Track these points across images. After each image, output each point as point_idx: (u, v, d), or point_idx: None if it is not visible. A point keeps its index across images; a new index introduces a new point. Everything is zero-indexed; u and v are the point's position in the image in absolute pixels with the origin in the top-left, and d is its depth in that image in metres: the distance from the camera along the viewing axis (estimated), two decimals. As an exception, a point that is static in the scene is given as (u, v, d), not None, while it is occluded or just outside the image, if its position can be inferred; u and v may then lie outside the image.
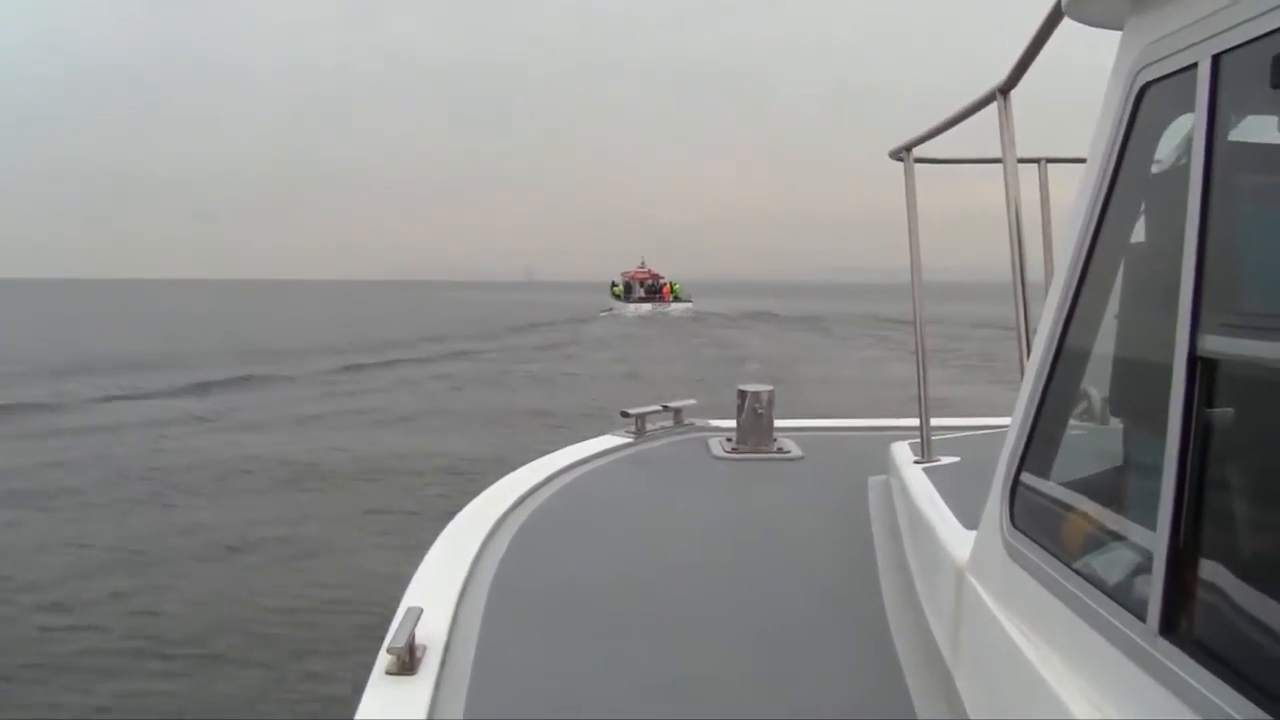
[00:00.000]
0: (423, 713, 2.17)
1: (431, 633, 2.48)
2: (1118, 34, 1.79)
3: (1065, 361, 1.89)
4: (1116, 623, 1.48)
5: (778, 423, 5.16)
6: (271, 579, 10.21)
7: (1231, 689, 1.19)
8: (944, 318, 48.67)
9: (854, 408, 20.01)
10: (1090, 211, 1.80)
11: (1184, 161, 1.48)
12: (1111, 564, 1.63)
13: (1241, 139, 1.45)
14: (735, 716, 2.35)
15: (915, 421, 3.83)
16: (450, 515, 3.65)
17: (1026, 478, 1.97)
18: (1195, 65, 1.45)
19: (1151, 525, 1.41)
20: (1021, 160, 2.80)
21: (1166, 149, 1.66)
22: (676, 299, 73.24)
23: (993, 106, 2.68)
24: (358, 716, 2.15)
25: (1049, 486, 1.94)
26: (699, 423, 5.60)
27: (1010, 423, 2.06)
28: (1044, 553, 1.80)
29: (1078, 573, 1.66)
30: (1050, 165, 3.07)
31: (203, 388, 26.67)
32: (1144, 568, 1.44)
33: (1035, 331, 2.06)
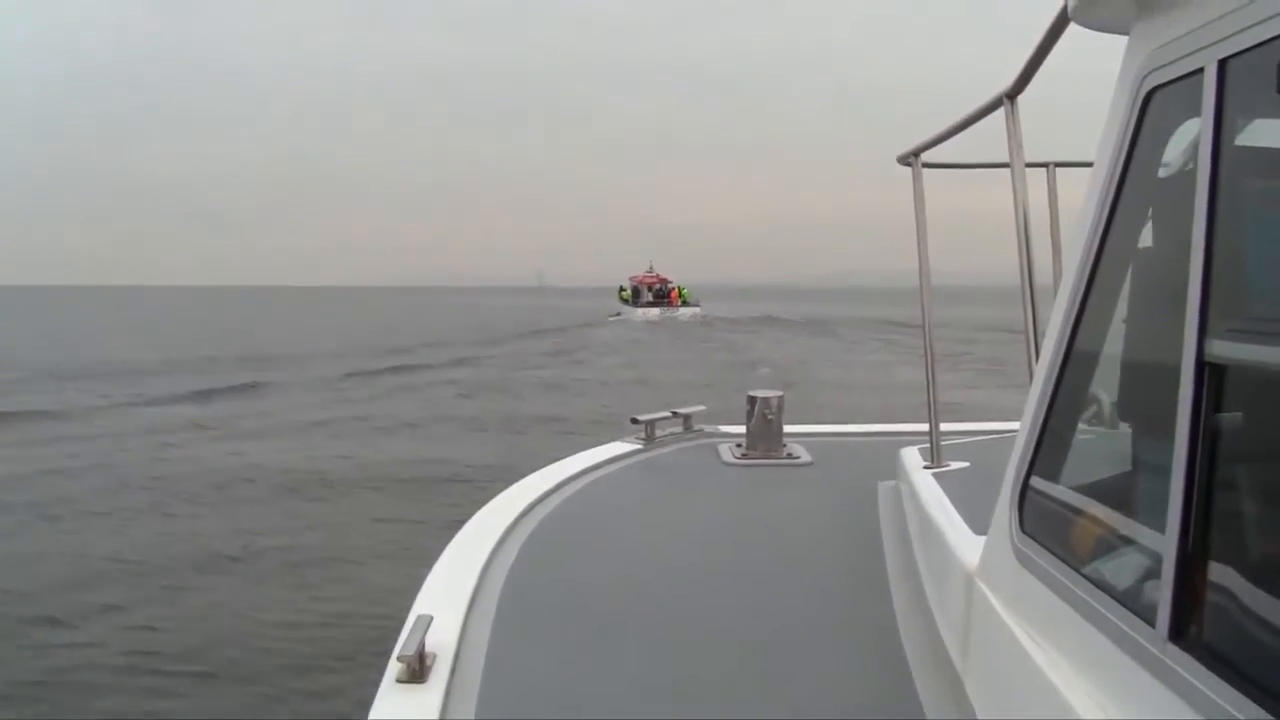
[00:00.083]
0: None
1: (442, 640, 2.47)
2: (1124, 39, 1.80)
3: (1074, 366, 1.89)
4: (1125, 628, 1.48)
5: (787, 428, 5.17)
6: (273, 591, 9.96)
7: (1241, 694, 1.18)
8: (954, 321, 48.59)
9: (867, 412, 19.85)
10: (1097, 216, 1.80)
11: (1190, 166, 1.48)
12: (1120, 569, 1.63)
13: (1248, 143, 1.45)
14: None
15: (925, 427, 3.85)
16: (458, 524, 3.62)
17: (1035, 483, 1.97)
18: (1201, 70, 1.45)
19: (1160, 531, 1.41)
20: (1030, 165, 2.83)
21: (1173, 154, 1.66)
22: (685, 303, 73.22)
23: (1000, 111, 2.71)
24: None
25: (1058, 492, 1.94)
26: (709, 429, 5.59)
27: (1019, 428, 2.06)
28: (1053, 558, 1.80)
29: (1087, 578, 1.67)
30: (1059, 169, 3.07)
31: (205, 395, 26.52)
32: (1153, 573, 1.44)
33: (1044, 336, 2.06)
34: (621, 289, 79.33)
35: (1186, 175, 1.49)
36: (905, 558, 3.29)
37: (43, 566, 10.61)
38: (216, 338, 52.04)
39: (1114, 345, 1.86)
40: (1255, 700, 1.16)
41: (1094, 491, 1.89)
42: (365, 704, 2.24)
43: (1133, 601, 1.50)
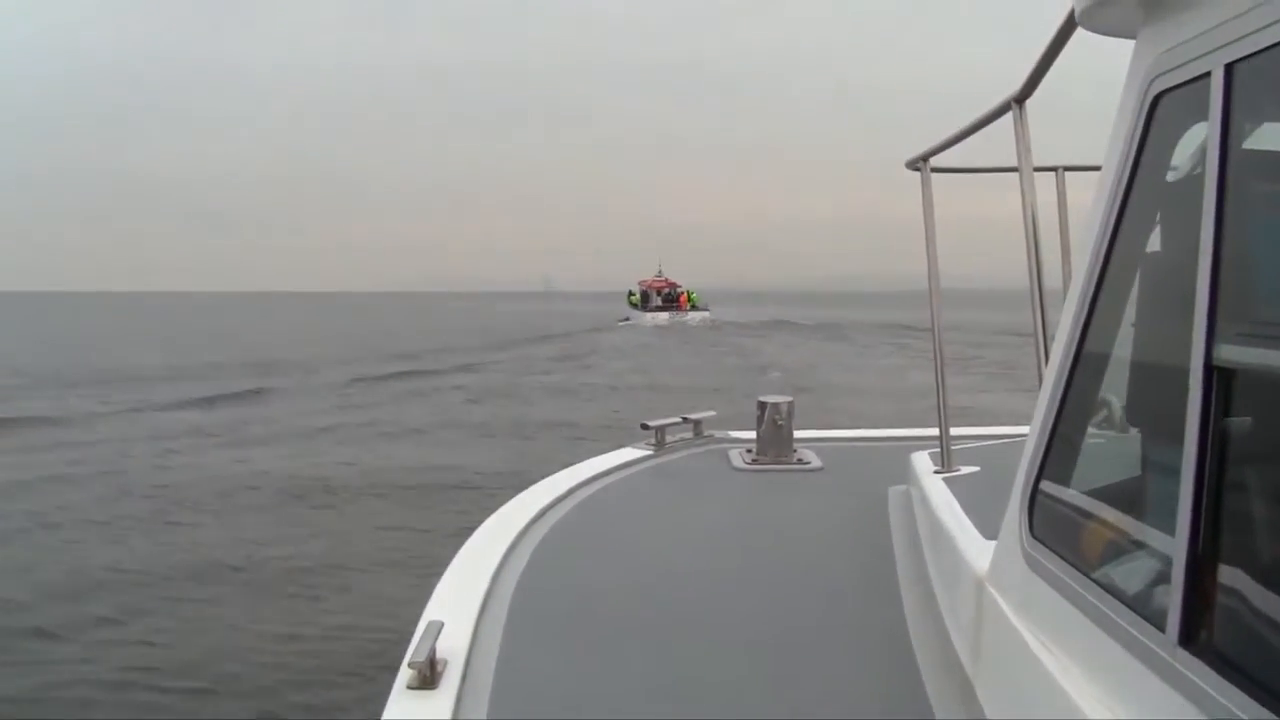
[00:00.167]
0: None
1: (453, 646, 2.48)
2: (1131, 43, 1.81)
3: (1083, 370, 1.90)
4: (1135, 633, 1.48)
5: (798, 434, 5.19)
6: (275, 602, 9.72)
7: (1251, 699, 1.19)
8: (964, 325, 48.38)
9: (880, 417, 19.65)
10: (1106, 220, 1.81)
11: (1198, 170, 1.49)
12: (1130, 574, 1.63)
13: (1255, 147, 1.44)
14: None
15: (935, 431, 3.88)
16: (468, 531, 3.62)
17: (1045, 487, 1.98)
18: (1208, 74, 1.45)
19: (1170, 535, 1.41)
20: (1039, 169, 2.87)
21: (1181, 158, 1.67)
22: (694, 308, 73.04)
23: (1009, 116, 2.73)
24: None
25: (1068, 496, 1.94)
26: (719, 434, 5.60)
27: (1028, 432, 2.06)
28: (1063, 563, 1.81)
29: (1097, 583, 1.67)
30: (1068, 173, 3.10)
31: (209, 401, 26.38)
32: (1163, 578, 1.44)
33: (1053, 340, 2.06)
34: (630, 293, 79.17)
35: (1194, 179, 1.50)
36: (916, 563, 3.29)
37: (39, 576, 10.43)
38: (220, 344, 51.94)
39: (1123, 349, 1.87)
40: (1266, 705, 1.16)
41: (1103, 496, 1.90)
42: (374, 714, 2.22)
43: (1142, 606, 1.51)
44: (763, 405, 5.08)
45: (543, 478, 4.48)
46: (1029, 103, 2.67)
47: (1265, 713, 1.16)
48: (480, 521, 3.73)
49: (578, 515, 4.03)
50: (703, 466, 5.07)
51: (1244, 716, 1.19)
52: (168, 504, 13.91)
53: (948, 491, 3.24)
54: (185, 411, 24.51)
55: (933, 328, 3.86)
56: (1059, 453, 1.96)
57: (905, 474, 4.05)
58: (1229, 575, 1.34)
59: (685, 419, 5.52)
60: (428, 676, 2.31)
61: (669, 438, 5.32)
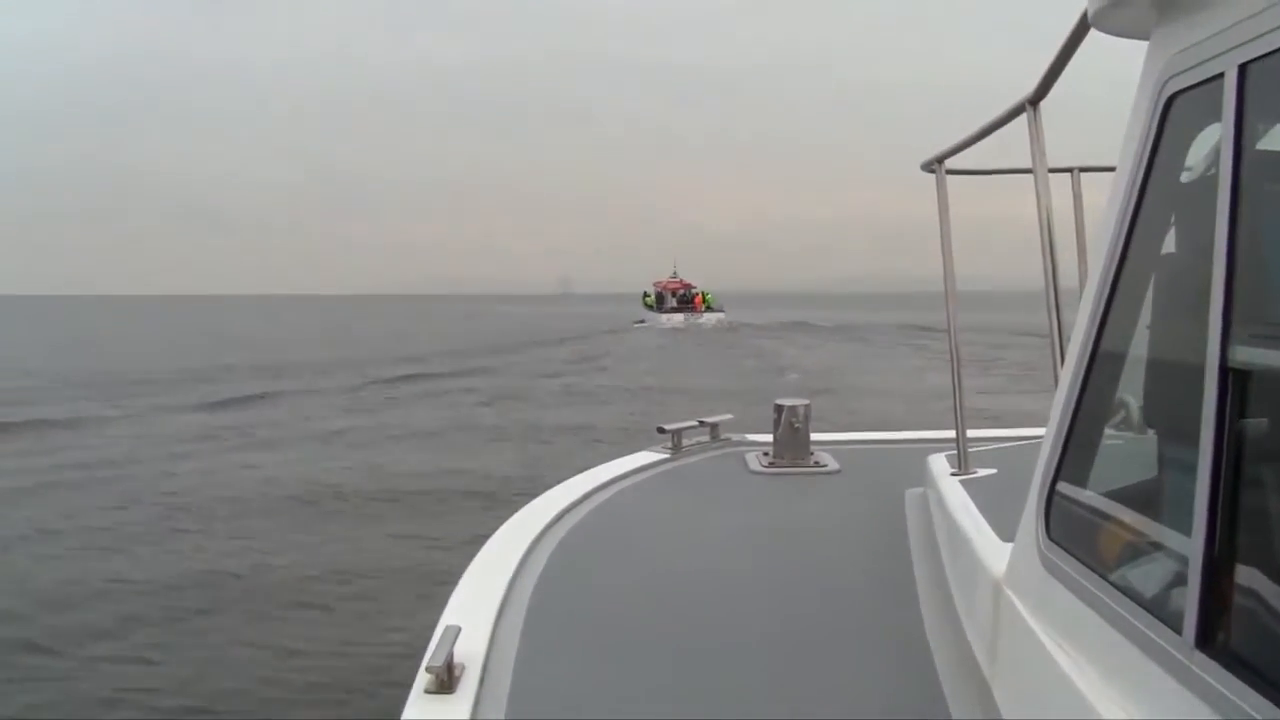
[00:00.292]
0: None
1: (470, 651, 2.49)
2: (1145, 44, 1.81)
3: (1099, 371, 1.90)
4: (1152, 635, 1.48)
5: (815, 436, 5.21)
6: (279, 614, 9.41)
7: (1267, 700, 1.18)
8: (985, 326, 48.02)
9: (901, 418, 19.53)
10: (1120, 222, 1.82)
11: (1212, 171, 1.49)
12: (1147, 576, 1.64)
13: (1269, 148, 1.45)
14: None
15: (953, 434, 3.88)
16: (480, 539, 3.61)
17: (1062, 489, 1.98)
18: (1222, 75, 1.46)
19: (1186, 536, 1.41)
20: (1054, 170, 2.87)
21: (1195, 158, 1.67)
22: (709, 309, 72.81)
23: (1023, 118, 2.75)
24: None
25: (1084, 497, 1.94)
26: (735, 437, 5.61)
27: (1044, 434, 2.06)
28: (1080, 565, 1.82)
29: (1113, 584, 1.68)
30: (1083, 174, 3.10)
31: (220, 405, 26.28)
32: (1179, 580, 1.44)
33: (1069, 341, 2.07)
34: (645, 295, 79.04)
35: (1208, 180, 1.51)
36: (933, 565, 3.30)
37: (37, 585, 10.15)
38: (225, 347, 51.91)
39: (1138, 350, 1.87)
40: None
41: (1120, 497, 1.90)
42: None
43: (1159, 608, 1.51)
44: (779, 408, 5.09)
45: (559, 482, 4.49)
46: (1043, 104, 2.67)
47: None
48: (497, 528, 3.73)
49: (594, 519, 4.03)
50: (719, 470, 5.07)
51: (1260, 718, 1.19)
52: (173, 510, 13.65)
53: (964, 494, 3.24)
54: (194, 415, 24.38)
55: (949, 329, 3.87)
56: (1075, 454, 1.96)
57: (922, 476, 4.06)
58: (1246, 577, 1.34)
59: (702, 422, 5.52)
60: (445, 681, 2.31)
61: (685, 441, 5.32)
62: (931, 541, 3.50)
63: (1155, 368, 1.85)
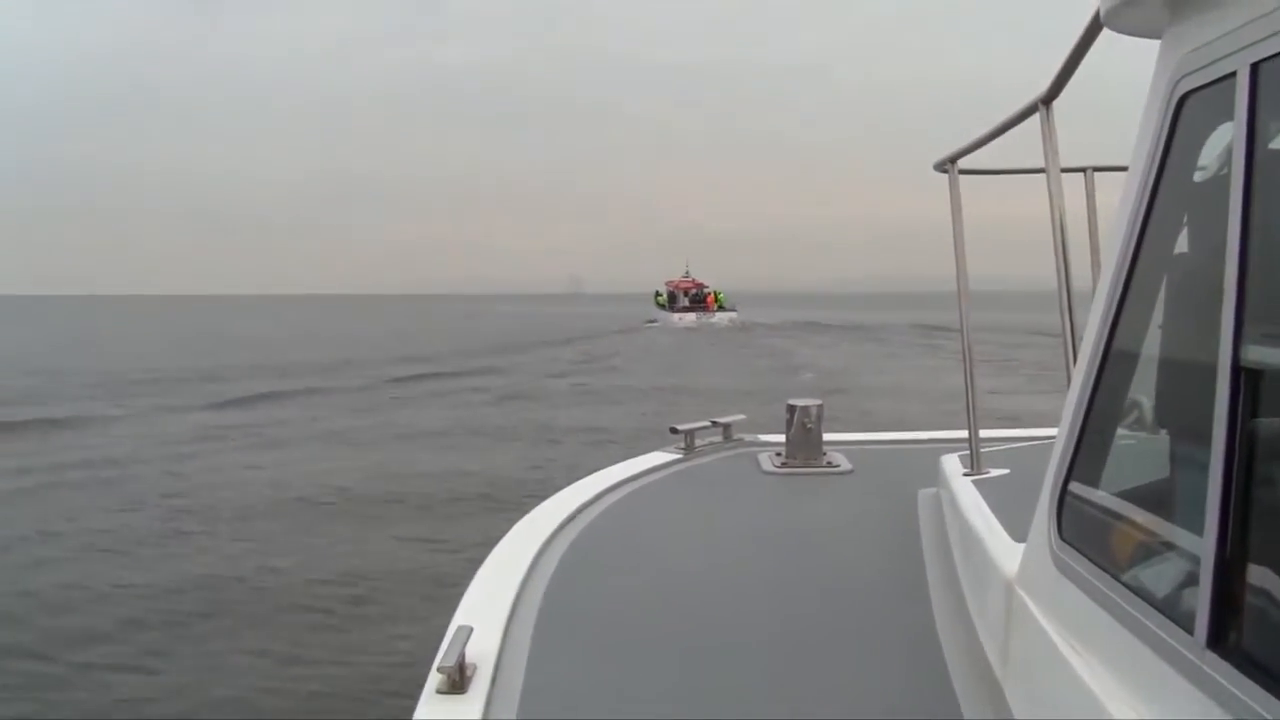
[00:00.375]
0: None
1: (482, 651, 2.48)
2: (1157, 43, 1.81)
3: (1111, 371, 1.90)
4: (1164, 635, 1.48)
5: (827, 436, 5.19)
6: (282, 619, 9.22)
7: (1279, 701, 1.18)
8: (1000, 326, 47.81)
9: (915, 418, 19.43)
10: (1132, 221, 1.81)
11: (1224, 170, 1.48)
12: (1158, 576, 1.63)
13: None
14: None
15: (965, 434, 3.88)
16: (489, 543, 3.58)
17: (1074, 488, 1.98)
18: (1234, 74, 1.45)
19: (1198, 536, 1.41)
20: (1067, 170, 2.87)
21: (1207, 158, 1.66)
22: (721, 308, 72.81)
23: (1036, 117, 2.74)
24: None
25: (1096, 498, 1.94)
26: (748, 438, 5.60)
27: (1057, 434, 2.06)
28: (1091, 565, 1.81)
29: (1125, 585, 1.67)
30: (1096, 174, 3.10)
31: (223, 405, 26.23)
32: (1191, 580, 1.43)
33: (1081, 340, 2.06)
34: (657, 294, 79.11)
35: (1221, 179, 1.50)
36: (945, 565, 3.30)
37: (37, 588, 9.98)
38: (229, 348, 51.94)
39: (1151, 350, 1.86)
40: None
41: (1132, 497, 1.90)
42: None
43: (1170, 608, 1.51)
44: (792, 408, 5.09)
45: (571, 482, 4.49)
46: (1056, 104, 2.67)
47: None
48: (508, 529, 3.73)
49: (606, 520, 4.03)
50: (732, 470, 5.07)
51: (1272, 719, 1.18)
52: (177, 512, 13.53)
53: (977, 494, 3.24)
54: (198, 415, 24.33)
55: (961, 329, 3.88)
56: (1087, 454, 1.96)
57: (935, 476, 4.06)
58: (1258, 577, 1.33)
59: (714, 422, 5.50)
60: (457, 681, 2.31)
61: (698, 441, 5.32)
62: (943, 541, 3.50)
63: (1167, 367, 1.84)
